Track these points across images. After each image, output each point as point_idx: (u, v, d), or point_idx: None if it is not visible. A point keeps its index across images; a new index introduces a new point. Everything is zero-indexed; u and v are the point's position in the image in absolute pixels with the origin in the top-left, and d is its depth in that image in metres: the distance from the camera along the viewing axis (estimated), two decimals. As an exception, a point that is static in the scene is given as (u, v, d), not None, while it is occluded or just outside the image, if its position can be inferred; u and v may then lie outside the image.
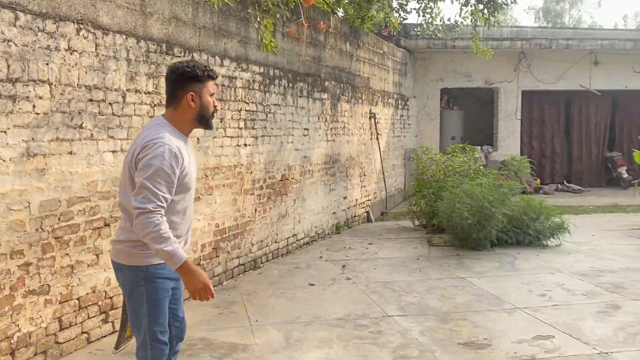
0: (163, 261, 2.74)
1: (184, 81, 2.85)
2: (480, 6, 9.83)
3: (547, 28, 21.67)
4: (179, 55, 5.33)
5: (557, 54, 14.75)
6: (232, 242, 6.31)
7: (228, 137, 6.15)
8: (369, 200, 10.85)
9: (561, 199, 13.52)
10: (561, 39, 14.69)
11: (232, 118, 6.21)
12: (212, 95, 2.94)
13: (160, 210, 2.67)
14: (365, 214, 10.69)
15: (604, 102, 15.88)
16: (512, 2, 9.66)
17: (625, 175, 15.30)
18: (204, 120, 2.95)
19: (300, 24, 7.18)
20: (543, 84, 14.99)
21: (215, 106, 2.97)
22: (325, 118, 8.75)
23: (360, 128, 10.32)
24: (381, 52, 11.60)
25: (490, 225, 7.69)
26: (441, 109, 15.36)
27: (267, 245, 7.07)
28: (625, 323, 4.87)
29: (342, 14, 13.25)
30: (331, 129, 8.98)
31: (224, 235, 6.15)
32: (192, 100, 2.86)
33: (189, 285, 2.70)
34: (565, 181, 15.82)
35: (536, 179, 15.19)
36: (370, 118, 10.83)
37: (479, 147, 15.46)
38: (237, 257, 6.44)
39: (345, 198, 9.63)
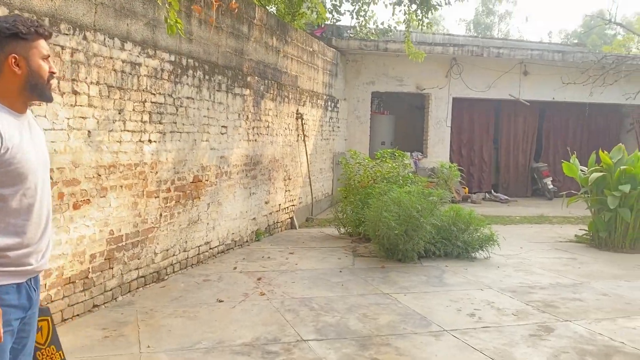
0: (7, 282, 2.05)
1: (1, 41, 2.14)
2: (414, 6, 9.45)
3: (478, 37, 21.82)
4: (66, 33, 4.53)
5: (488, 62, 14.69)
6: (131, 251, 5.54)
7: (128, 131, 5.37)
8: (293, 205, 10.24)
9: (489, 208, 13.40)
10: (493, 47, 14.66)
11: (133, 110, 5.44)
12: (45, 58, 2.24)
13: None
14: (289, 220, 10.07)
15: (532, 112, 16.00)
16: (445, 4, 9.33)
17: (551, 186, 15.44)
18: (37, 89, 2.24)
19: (210, 2, 6.47)
20: (474, 92, 14.88)
21: (52, 72, 2.27)
22: (247, 116, 8.07)
23: (286, 129, 9.70)
24: (311, 50, 11.03)
25: (418, 236, 7.25)
26: (372, 113, 14.98)
27: (173, 255, 6.32)
28: (559, 349, 4.47)
29: (274, 10, 12.66)
30: (253, 128, 8.30)
31: (120, 244, 5.36)
32: (16, 64, 2.15)
33: None
34: (492, 190, 15.81)
35: (464, 188, 15.08)
36: (297, 119, 10.23)
37: (408, 153, 15.24)
38: (137, 269, 5.66)
39: (267, 203, 8.98)
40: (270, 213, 9.17)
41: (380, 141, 15.39)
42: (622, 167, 8.72)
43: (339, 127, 13.51)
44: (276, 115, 9.18)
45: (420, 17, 9.66)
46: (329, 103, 12.52)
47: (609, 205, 8.60)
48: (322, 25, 14.53)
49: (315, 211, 11.49)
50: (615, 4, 28.49)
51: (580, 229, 9.72)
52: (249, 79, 8.05)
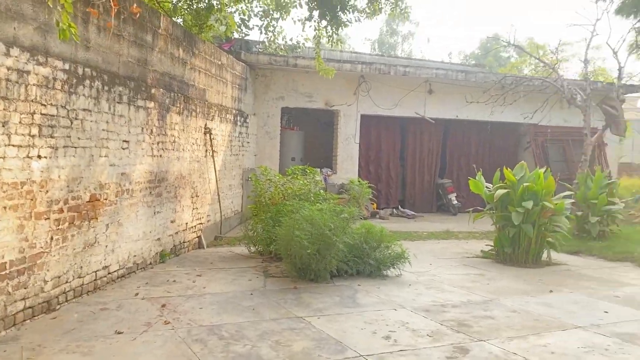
0: None
1: None
2: (324, 22, 9.39)
3: (384, 56, 22.31)
4: (-62, 33, 3.97)
5: (395, 80, 14.96)
6: (16, 279, 4.94)
7: (14, 146, 4.81)
8: (201, 224, 9.79)
9: (396, 224, 13.54)
10: (399, 66, 14.95)
11: (20, 122, 4.89)
12: None
13: None
14: (197, 239, 9.61)
15: (436, 130, 16.45)
16: (356, 20, 9.35)
17: (455, 202, 15.90)
18: None
19: (108, 7, 6.01)
20: (381, 109, 15.09)
21: None
22: (151, 130, 7.60)
23: (193, 144, 9.27)
24: (219, 63, 10.69)
25: (331, 255, 7.08)
26: (282, 129, 14.80)
27: (67, 282, 5.75)
28: (475, 370, 4.40)
29: (181, 22, 12.21)
30: (158, 143, 7.84)
31: (3, 272, 4.77)
32: None
33: None
34: (399, 206, 16.05)
35: (373, 204, 15.19)
36: (205, 133, 9.83)
37: (318, 170, 15.18)
38: (23, 299, 5.07)
39: (173, 222, 8.49)
40: (177, 232, 8.69)
41: (290, 157, 15.24)
42: (525, 184, 9.03)
43: (248, 142, 13.20)
44: (183, 130, 8.75)
45: (330, 34, 9.61)
46: (239, 118, 12.20)
47: (513, 221, 8.86)
48: (231, 39, 14.23)
49: (225, 229, 11.08)
50: (513, 28, 30.34)
51: (485, 245, 9.96)
52: (153, 91, 7.59)
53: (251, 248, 8.99)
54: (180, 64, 8.64)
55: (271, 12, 13.62)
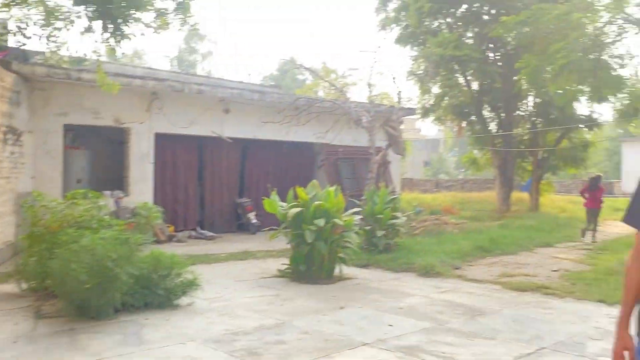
0: None
1: None
2: (106, 34, 8.69)
3: (180, 73, 21.77)
4: None
5: (190, 98, 14.56)
6: None
7: None
8: (-42, 260, 8.38)
9: (194, 247, 13.09)
10: (194, 84, 14.61)
11: None
12: None
13: None
14: (-47, 278, 8.18)
15: (235, 149, 16.34)
16: (141, 34, 8.81)
17: (254, 221, 15.88)
18: None
19: None
20: (176, 128, 14.56)
21: None
22: None
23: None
24: (-18, 73, 9.35)
25: (114, 288, 6.44)
26: (65, 148, 13.49)
27: None
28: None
29: None
30: None
31: None
32: None
33: None
34: (198, 227, 15.59)
35: (169, 226, 14.53)
36: (-38, 154, 8.47)
37: (108, 192, 14.08)
38: None
39: None
40: None
41: (76, 179, 13.95)
42: (316, 203, 9.22)
43: (23, 163, 11.77)
44: None
45: (113, 46, 8.93)
46: (9, 135, 10.79)
47: (307, 239, 8.98)
48: (5, 48, 12.64)
49: (-9, 264, 9.65)
50: (307, 52, 31.68)
51: (282, 264, 9.98)
52: None
53: (23, 285, 7.88)
54: None
55: (52, 21, 12.40)
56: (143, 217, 11.87)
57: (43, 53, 13.82)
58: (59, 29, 13.14)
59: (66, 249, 6.70)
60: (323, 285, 8.98)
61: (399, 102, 13.84)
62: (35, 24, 13.08)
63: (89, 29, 8.87)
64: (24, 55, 13.50)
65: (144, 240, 7.46)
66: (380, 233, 11.20)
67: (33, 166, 12.49)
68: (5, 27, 12.25)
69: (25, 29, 13.19)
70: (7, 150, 10.67)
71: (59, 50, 13.74)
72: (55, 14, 10.58)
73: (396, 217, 11.50)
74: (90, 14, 8.45)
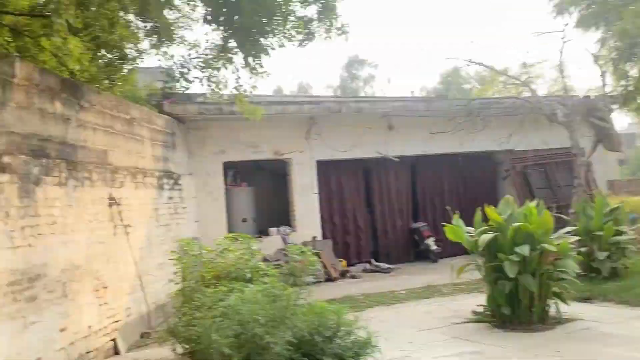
0: None
1: None
2: (243, 52, 7.58)
3: (337, 96, 20.76)
4: None
5: (350, 118, 13.24)
6: None
7: None
8: (116, 322, 7.65)
9: (370, 283, 11.57)
10: (351, 102, 13.24)
11: None
12: None
13: None
14: (112, 343, 7.46)
15: (403, 169, 14.67)
16: (280, 46, 7.58)
17: (434, 247, 13.93)
18: None
19: None
20: (338, 153, 13.26)
21: None
22: (7, 212, 5.56)
23: (91, 221, 7.23)
24: (128, 117, 8.77)
25: (267, 360, 5.02)
26: (227, 187, 12.85)
27: None
28: None
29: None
30: (22, 229, 5.77)
31: None
32: None
33: None
34: (372, 259, 14.02)
35: (341, 261, 13.16)
36: (110, 205, 7.81)
37: (274, 229, 13.15)
38: None
39: (63, 330, 6.35)
40: (72, 343, 6.51)
41: (240, 218, 13.23)
42: (515, 224, 7.14)
43: (184, 207, 11.18)
44: (70, 205, 6.71)
45: (252, 65, 7.80)
46: (166, 180, 10.22)
47: (508, 273, 6.92)
48: (172, 95, 12.36)
49: (155, 321, 8.90)
50: (473, 44, 29.57)
51: (478, 305, 7.93)
52: (6, 159, 5.59)
53: (178, 349, 6.86)
54: (60, 121, 6.69)
55: (211, 61, 11.85)
56: (294, 264, 10.53)
57: (204, 94, 13.46)
58: (218, 69, 12.54)
59: (209, 309, 5.48)
60: (537, 332, 6.84)
61: (603, 87, 11.16)
62: (195, 67, 12.70)
63: (224, 49, 7.84)
64: (188, 99, 13.20)
65: (305, 283, 6.07)
66: (602, 255, 8.67)
67: (196, 209, 11.92)
68: (170, 75, 11.94)
69: (188, 73, 12.87)
70: (164, 196, 10.07)
71: (219, 89, 13.22)
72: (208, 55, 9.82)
73: (620, 233, 8.88)
74: (225, 33, 7.43)
